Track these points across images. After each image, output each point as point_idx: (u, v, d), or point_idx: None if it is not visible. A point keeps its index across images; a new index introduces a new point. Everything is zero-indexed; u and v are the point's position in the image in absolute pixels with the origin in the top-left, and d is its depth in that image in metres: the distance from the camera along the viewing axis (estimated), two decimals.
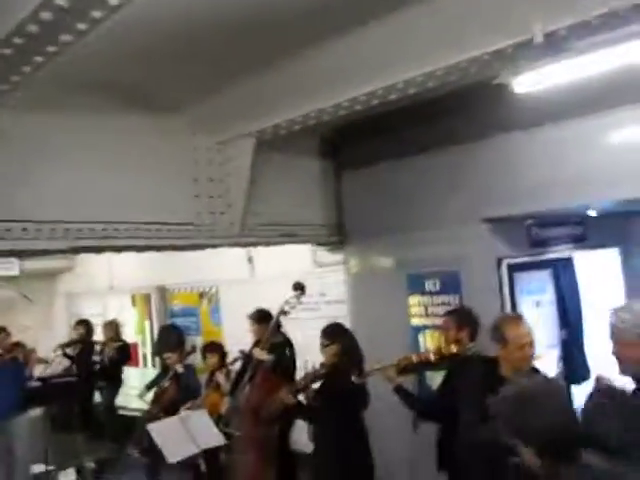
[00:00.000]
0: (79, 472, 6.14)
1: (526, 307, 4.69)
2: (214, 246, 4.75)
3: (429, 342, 4.82)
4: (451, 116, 4.59)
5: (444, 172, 4.70)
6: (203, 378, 6.87)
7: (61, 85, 3.50)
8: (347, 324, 5.88)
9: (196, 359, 7.19)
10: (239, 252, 7.13)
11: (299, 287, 5.37)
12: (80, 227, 3.70)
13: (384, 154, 5.10)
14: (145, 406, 7.90)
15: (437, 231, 4.71)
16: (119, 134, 4.05)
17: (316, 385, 4.33)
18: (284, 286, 6.56)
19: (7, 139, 3.41)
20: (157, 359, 8.11)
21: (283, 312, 5.32)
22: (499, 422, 2.05)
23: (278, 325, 5.37)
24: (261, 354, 5.10)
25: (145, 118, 4.20)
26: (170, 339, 7.50)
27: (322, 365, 4.20)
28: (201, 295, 7.82)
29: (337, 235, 5.56)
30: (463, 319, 3.77)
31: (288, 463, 5.36)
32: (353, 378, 3.86)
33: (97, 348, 8.25)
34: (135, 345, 8.31)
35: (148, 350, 8.40)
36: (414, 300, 4.96)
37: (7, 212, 3.41)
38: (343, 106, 3.78)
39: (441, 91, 3.95)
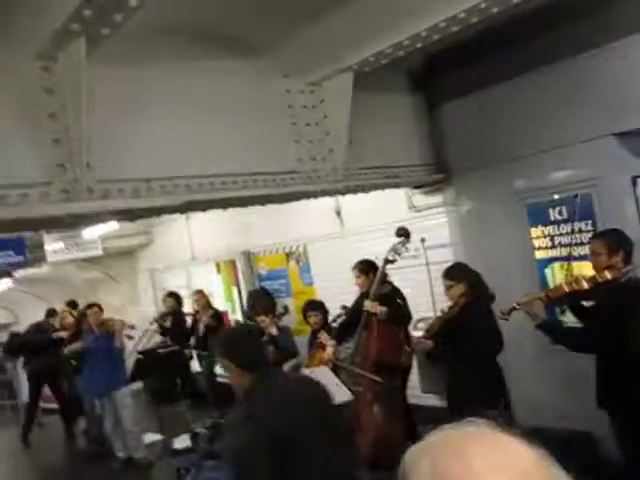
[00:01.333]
0: (193, 438, 6.11)
1: None
2: (318, 194, 4.48)
3: (558, 275, 4.43)
4: (569, 22, 4.11)
5: (563, 86, 4.23)
6: (300, 339, 6.76)
7: (147, 34, 3.27)
8: None
9: (290, 320, 7.07)
10: (325, 206, 6.87)
11: (403, 233, 5.07)
12: (188, 182, 3.49)
13: (488, 77, 4.67)
14: None
15: (560, 153, 4.26)
16: (210, 81, 3.80)
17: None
18: (378, 237, 6.30)
19: (103, 96, 3.18)
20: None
21: (389, 261, 5.03)
22: None
23: (384, 275, 5.10)
24: (374, 306, 4.85)
25: (234, 61, 3.93)
26: (261, 303, 7.41)
27: (452, 306, 3.91)
28: (288, 255, 7.63)
29: (439, 173, 5.17)
30: (615, 241, 3.37)
31: (408, 416, 5.17)
32: (499, 315, 3.55)
33: (188, 319, 8.27)
34: (225, 312, 8.23)
35: (239, 316, 8.33)
36: (537, 232, 4.56)
37: (116, 171, 3.22)
38: (459, 18, 3.37)
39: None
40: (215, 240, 8.64)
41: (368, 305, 4.87)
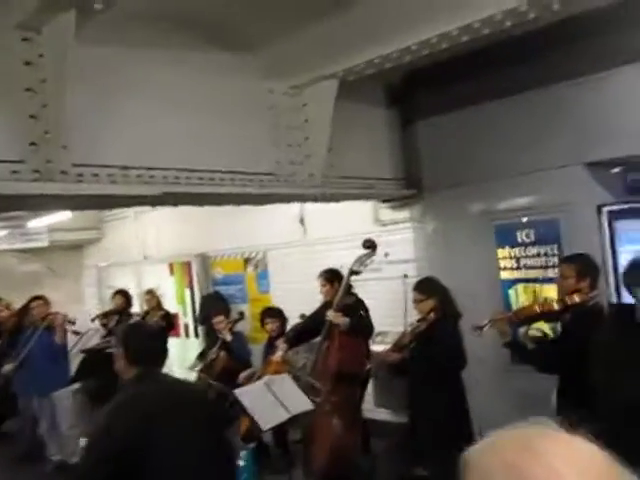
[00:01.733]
0: None
1: (626, 258, 4.37)
2: (294, 198, 4.43)
3: (522, 297, 4.52)
4: (549, 52, 4.24)
5: (542, 113, 4.36)
6: (254, 347, 6.64)
7: (134, 18, 3.16)
8: None
9: (244, 326, 6.94)
10: (288, 213, 6.82)
11: (370, 245, 5.07)
12: (165, 174, 3.37)
13: (466, 99, 4.76)
14: (193, 377, 7.69)
15: (532, 177, 4.38)
16: (194, 73, 3.70)
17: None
18: (342, 248, 6.29)
19: (83, 76, 3.03)
20: (200, 329, 7.86)
21: (354, 272, 5.02)
22: None
23: (349, 286, 5.07)
24: (336, 317, 4.81)
25: (219, 55, 3.84)
26: (216, 306, 7.25)
27: (421, 321, 3.91)
28: (247, 261, 7.50)
29: (410, 188, 5.21)
30: (583, 266, 3.46)
31: (363, 429, 5.13)
32: (474, 332, 3.57)
33: (135, 319, 7.99)
34: (176, 315, 8.00)
35: (190, 320, 8.11)
36: (504, 253, 4.65)
37: (92, 156, 3.07)
38: (451, 35, 3.41)
39: (534, 26, 3.63)
40: (169, 240, 8.42)
41: (331, 315, 4.82)
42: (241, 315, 6.71)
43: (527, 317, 3.51)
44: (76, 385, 7.05)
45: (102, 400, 7.00)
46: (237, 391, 4.04)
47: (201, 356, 6.81)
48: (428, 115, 5.06)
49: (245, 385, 5.75)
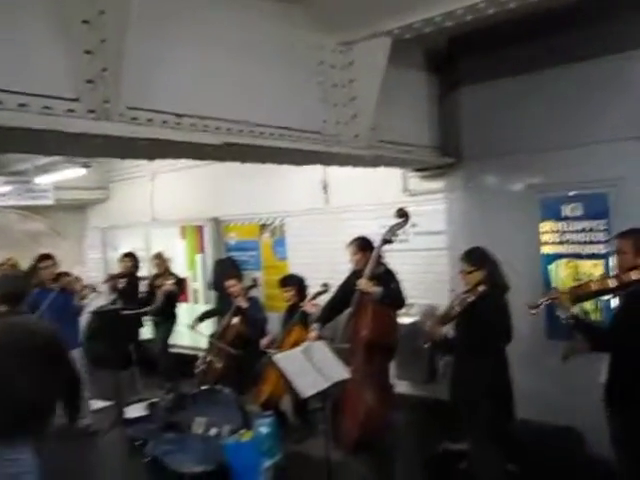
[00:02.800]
0: (150, 407, 5.74)
1: None
2: (339, 160, 4.23)
3: (562, 272, 4.42)
4: (604, 22, 4.07)
5: (591, 85, 4.21)
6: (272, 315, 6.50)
7: None
8: (447, 257, 5.52)
9: (257, 294, 6.80)
10: (310, 180, 6.64)
11: (403, 214, 4.94)
12: (218, 125, 3.17)
13: (514, 67, 4.58)
14: (197, 341, 7.56)
15: (581, 151, 4.23)
16: (252, 23, 3.47)
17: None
18: (366, 217, 6.14)
19: (144, 17, 2.81)
20: (212, 295, 7.70)
21: (386, 241, 4.90)
22: None
23: (380, 255, 4.94)
24: (368, 285, 4.68)
25: (276, 6, 3.61)
26: (229, 270, 7.09)
27: (468, 293, 3.77)
28: (262, 227, 7.32)
29: (449, 157, 5.04)
30: None
31: None
32: (530, 310, 3.45)
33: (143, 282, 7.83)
34: (186, 280, 7.83)
35: (200, 286, 7.95)
36: (547, 227, 4.52)
37: (147, 101, 2.86)
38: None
39: None
40: (181, 203, 8.20)
41: (363, 284, 4.70)
42: (254, 282, 6.57)
43: (583, 294, 3.40)
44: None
45: (106, 363, 6.94)
46: (277, 356, 3.92)
47: (202, 317, 6.67)
48: (472, 82, 4.88)
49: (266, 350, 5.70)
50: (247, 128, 3.31)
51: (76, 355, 5.94)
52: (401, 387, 5.78)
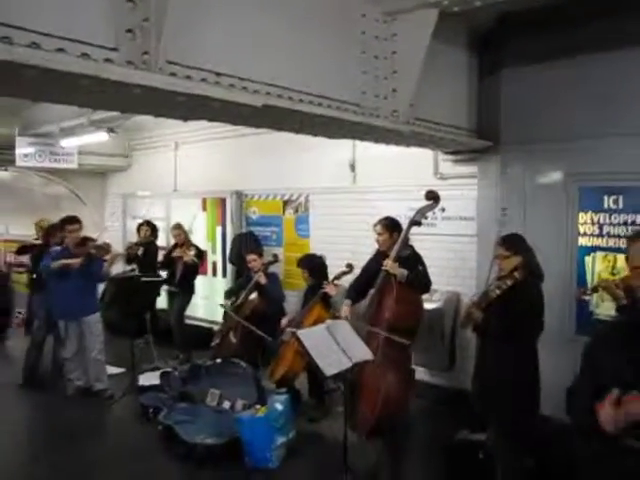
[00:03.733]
0: (163, 377, 5.70)
1: None
2: (376, 134, 4.08)
3: (598, 265, 4.26)
4: None
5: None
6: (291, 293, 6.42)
7: None
8: (474, 244, 5.38)
9: (277, 270, 6.71)
10: (338, 158, 6.51)
11: (433, 196, 4.80)
12: (257, 88, 3.04)
13: (560, 50, 4.39)
14: (212, 314, 7.52)
15: (627, 140, 4.06)
16: None
17: None
18: (394, 199, 6.01)
19: None
20: (230, 268, 7.64)
21: (415, 222, 4.76)
22: None
23: (407, 237, 4.81)
24: (394, 267, 4.56)
25: None
26: (249, 244, 7.01)
27: (504, 279, 3.63)
28: (286, 203, 7.21)
29: (487, 140, 4.87)
30: None
31: None
32: (583, 295, 3.32)
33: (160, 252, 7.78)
34: (205, 252, 7.76)
35: (219, 258, 7.88)
36: (585, 218, 4.36)
37: (186, 57, 2.74)
38: None
39: None
40: (204, 175, 8.11)
41: (389, 265, 4.58)
42: (275, 258, 6.49)
43: (628, 287, 3.25)
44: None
45: (121, 330, 6.90)
46: (300, 332, 3.82)
47: (228, 294, 6.61)
48: (515, 64, 4.69)
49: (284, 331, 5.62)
50: (286, 93, 3.18)
51: (94, 320, 5.91)
52: (419, 374, 5.69)
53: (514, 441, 3.67)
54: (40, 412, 5.85)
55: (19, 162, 8.17)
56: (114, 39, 2.50)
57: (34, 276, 6.65)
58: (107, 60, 2.46)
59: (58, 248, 6.02)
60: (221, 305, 6.53)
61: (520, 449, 3.75)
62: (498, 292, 3.49)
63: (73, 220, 5.95)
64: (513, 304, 3.48)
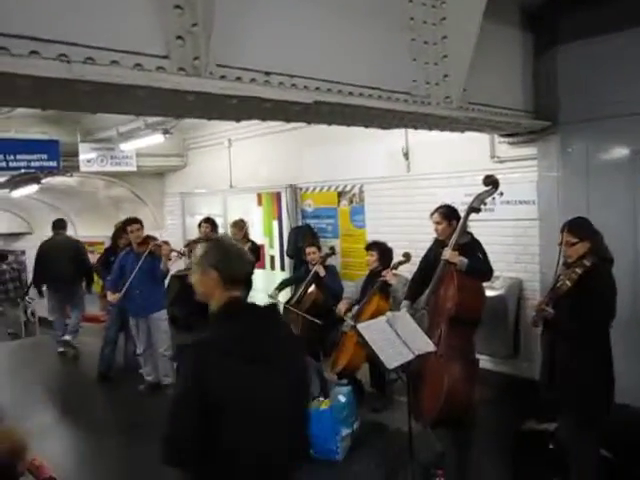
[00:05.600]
0: None
1: None
2: (429, 121, 4.01)
3: None
4: None
5: None
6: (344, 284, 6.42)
7: None
8: (536, 228, 5.22)
9: (335, 262, 6.73)
10: (391, 146, 6.44)
11: (491, 181, 4.67)
12: (307, 84, 3.04)
13: (616, 22, 4.20)
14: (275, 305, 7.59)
15: None
16: None
17: None
18: (450, 185, 5.89)
19: None
20: (288, 261, 7.71)
21: (474, 209, 4.63)
22: None
23: (465, 224, 4.71)
24: (453, 255, 4.47)
25: None
26: (307, 237, 7.05)
27: (573, 266, 3.50)
28: (340, 194, 7.20)
29: (545, 120, 4.70)
30: None
31: None
32: None
33: None
34: (262, 246, 7.86)
35: (276, 252, 7.97)
36: None
37: (235, 58, 2.77)
38: None
39: None
40: (258, 170, 8.20)
41: (448, 254, 4.48)
42: (332, 250, 6.51)
43: None
44: None
45: (185, 325, 7.08)
46: (360, 325, 3.82)
47: (281, 285, 6.67)
48: (571, 39, 4.50)
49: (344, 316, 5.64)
50: (336, 87, 3.16)
51: (161, 317, 6.11)
52: (482, 362, 5.58)
53: (588, 431, 3.56)
54: (113, 406, 6.11)
55: (83, 167, 8.49)
56: (165, 47, 2.55)
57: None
58: (159, 68, 2.51)
59: (122, 254, 6.24)
60: (269, 295, 6.57)
61: (595, 439, 3.64)
62: (569, 284, 3.36)
63: (133, 221, 6.16)
64: (585, 293, 3.35)
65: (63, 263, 7.89)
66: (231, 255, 2.13)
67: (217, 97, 2.60)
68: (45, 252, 8.21)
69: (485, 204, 4.71)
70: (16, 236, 13.97)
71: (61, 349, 8.06)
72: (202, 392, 1.86)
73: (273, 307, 2.24)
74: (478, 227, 4.93)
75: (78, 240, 8.58)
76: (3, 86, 2.17)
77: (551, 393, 3.66)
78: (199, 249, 2.15)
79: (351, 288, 6.07)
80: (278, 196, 7.81)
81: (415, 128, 4.41)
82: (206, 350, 1.94)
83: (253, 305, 2.15)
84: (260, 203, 8.13)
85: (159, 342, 6.04)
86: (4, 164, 7.80)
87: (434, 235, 4.99)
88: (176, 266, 7.39)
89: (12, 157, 7.83)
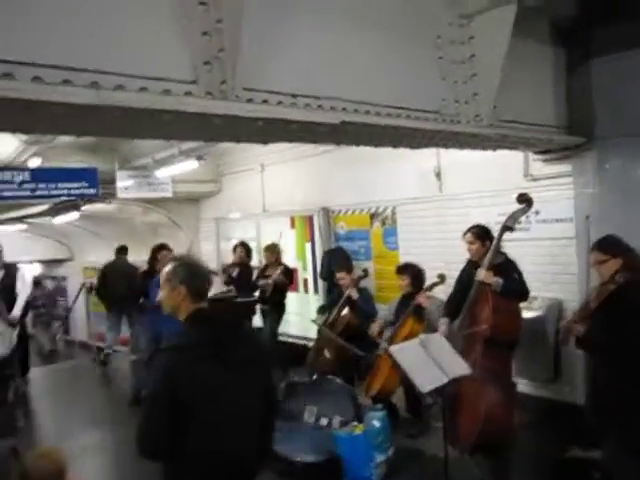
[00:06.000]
0: None
1: None
2: (459, 140, 3.97)
3: None
4: None
5: None
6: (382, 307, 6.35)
7: None
8: (573, 247, 5.09)
9: (368, 284, 6.67)
10: (422, 167, 6.40)
11: (525, 199, 4.59)
12: (333, 104, 3.05)
13: None
14: (306, 331, 7.57)
15: None
16: None
17: None
18: (483, 204, 5.80)
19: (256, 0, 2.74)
20: (321, 284, 7.69)
21: (508, 228, 4.56)
22: None
23: (499, 244, 4.62)
24: (488, 276, 4.38)
25: None
26: (340, 260, 7.02)
27: (605, 285, 3.39)
28: (372, 216, 7.17)
29: (580, 136, 4.60)
30: None
31: None
32: None
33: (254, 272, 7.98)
34: (295, 270, 7.86)
35: (309, 275, 7.96)
36: None
37: (261, 82, 2.80)
38: None
39: None
40: (290, 194, 8.26)
41: (482, 275, 4.40)
42: (365, 272, 6.45)
43: None
44: None
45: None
46: (393, 348, 3.76)
47: (322, 309, 6.64)
48: (606, 53, 4.41)
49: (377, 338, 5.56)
50: (363, 107, 3.17)
51: None
52: (520, 386, 5.42)
53: (636, 459, 3.39)
54: None
55: (120, 194, 8.70)
56: (193, 72, 2.61)
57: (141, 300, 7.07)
58: (187, 93, 2.56)
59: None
60: (312, 321, 6.57)
61: None
62: (600, 300, 3.25)
63: (162, 247, 6.33)
64: (617, 309, 3.23)
65: (121, 284, 8.33)
66: (197, 272, 2.41)
67: (244, 120, 2.63)
68: (106, 273, 9.01)
69: (519, 223, 4.64)
70: (58, 262, 14.36)
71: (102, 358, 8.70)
72: (173, 392, 2.07)
73: (236, 316, 2.59)
74: (513, 247, 4.84)
75: (135, 266, 8.83)
76: (40, 113, 2.25)
77: (596, 418, 3.51)
78: (168, 268, 2.40)
79: (385, 311, 6.00)
80: (310, 219, 7.83)
81: (446, 147, 4.38)
82: (176, 354, 2.17)
83: (218, 315, 2.39)
84: (293, 226, 8.16)
85: None
86: (46, 192, 8.07)
87: (468, 256, 4.92)
88: (211, 291, 7.43)
89: (54, 185, 8.10)
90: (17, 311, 6.46)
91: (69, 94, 2.08)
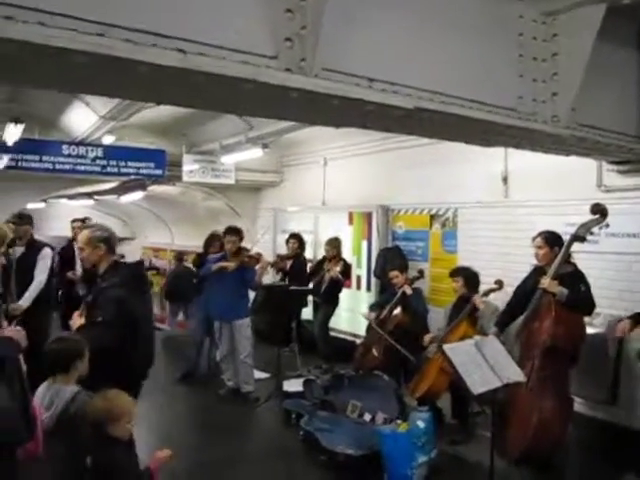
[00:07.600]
0: (306, 384, 5.79)
1: None
2: (537, 139, 3.85)
3: None
4: None
5: None
6: (432, 309, 6.28)
7: None
8: None
9: (423, 286, 6.58)
10: (489, 171, 6.26)
11: (599, 210, 4.43)
12: (409, 92, 3.01)
13: None
14: (356, 327, 7.55)
15: None
16: None
17: None
18: (551, 214, 5.61)
19: None
20: (374, 282, 7.65)
21: (579, 237, 4.42)
22: None
23: (569, 253, 4.47)
24: (552, 285, 4.25)
25: None
26: (395, 260, 6.96)
27: None
28: (433, 217, 7.07)
29: None
30: None
31: None
32: None
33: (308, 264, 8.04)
34: (351, 266, 7.84)
35: (363, 272, 7.92)
36: None
37: (340, 63, 2.80)
38: None
39: None
40: (351, 189, 8.25)
41: (546, 283, 4.28)
42: (420, 273, 6.38)
43: None
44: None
45: (269, 337, 7.19)
46: (446, 347, 3.69)
47: (373, 307, 6.60)
48: None
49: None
50: (438, 98, 3.12)
51: (245, 324, 6.21)
52: (574, 404, 5.23)
53: None
54: (193, 409, 6.25)
55: (185, 178, 8.92)
56: (274, 48, 2.63)
57: (195, 281, 7.23)
58: (267, 67, 2.59)
59: (217, 255, 6.45)
60: (363, 315, 6.55)
61: None
62: None
63: (233, 232, 6.36)
64: None
65: (187, 287, 8.38)
66: (110, 232, 3.54)
67: (320, 97, 2.64)
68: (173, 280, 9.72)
69: (592, 233, 4.48)
70: (120, 240, 14.83)
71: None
72: (127, 313, 3.19)
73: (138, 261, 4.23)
74: (580, 259, 4.67)
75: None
76: (127, 74, 2.33)
77: None
78: (86, 233, 3.46)
79: (439, 315, 5.90)
80: (369, 216, 7.79)
81: (518, 147, 4.26)
82: (120, 290, 3.23)
83: (126, 262, 3.78)
84: (351, 222, 8.14)
85: (240, 348, 6.13)
86: (116, 170, 8.38)
87: (529, 264, 4.78)
88: (266, 280, 7.53)
89: (123, 164, 8.40)
90: (25, 301, 5.36)
91: (157, 55, 2.14)
